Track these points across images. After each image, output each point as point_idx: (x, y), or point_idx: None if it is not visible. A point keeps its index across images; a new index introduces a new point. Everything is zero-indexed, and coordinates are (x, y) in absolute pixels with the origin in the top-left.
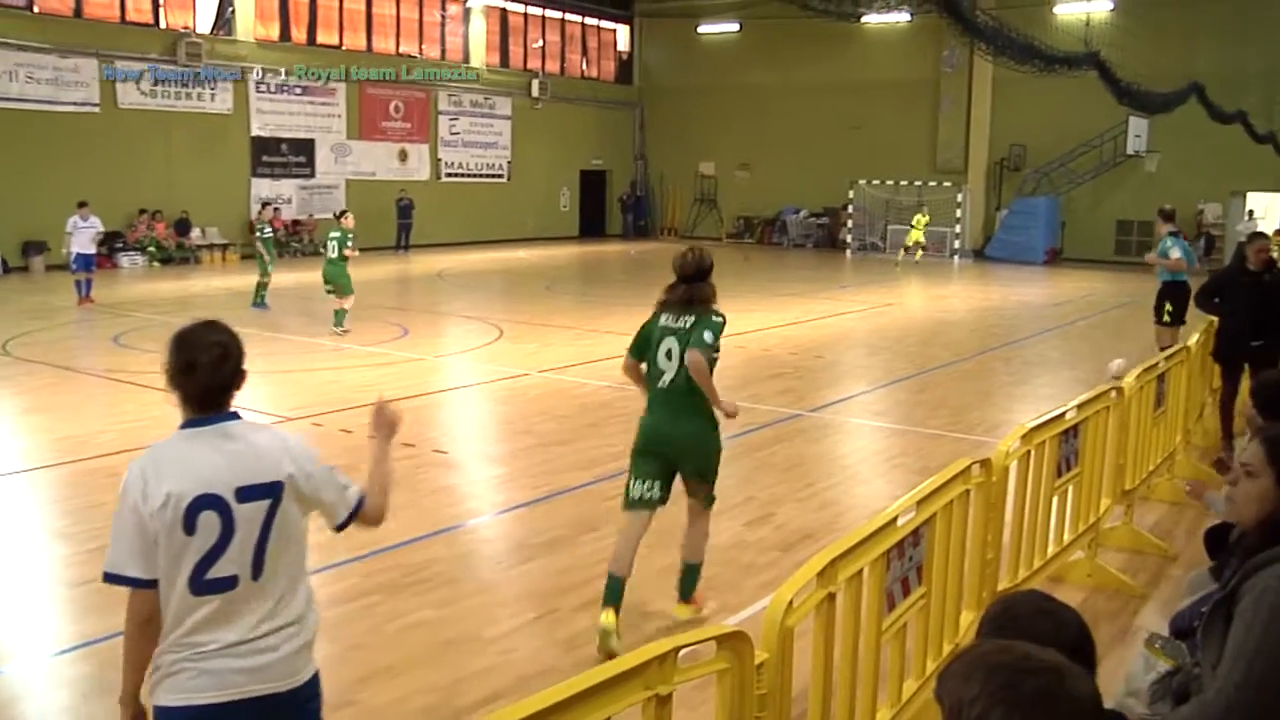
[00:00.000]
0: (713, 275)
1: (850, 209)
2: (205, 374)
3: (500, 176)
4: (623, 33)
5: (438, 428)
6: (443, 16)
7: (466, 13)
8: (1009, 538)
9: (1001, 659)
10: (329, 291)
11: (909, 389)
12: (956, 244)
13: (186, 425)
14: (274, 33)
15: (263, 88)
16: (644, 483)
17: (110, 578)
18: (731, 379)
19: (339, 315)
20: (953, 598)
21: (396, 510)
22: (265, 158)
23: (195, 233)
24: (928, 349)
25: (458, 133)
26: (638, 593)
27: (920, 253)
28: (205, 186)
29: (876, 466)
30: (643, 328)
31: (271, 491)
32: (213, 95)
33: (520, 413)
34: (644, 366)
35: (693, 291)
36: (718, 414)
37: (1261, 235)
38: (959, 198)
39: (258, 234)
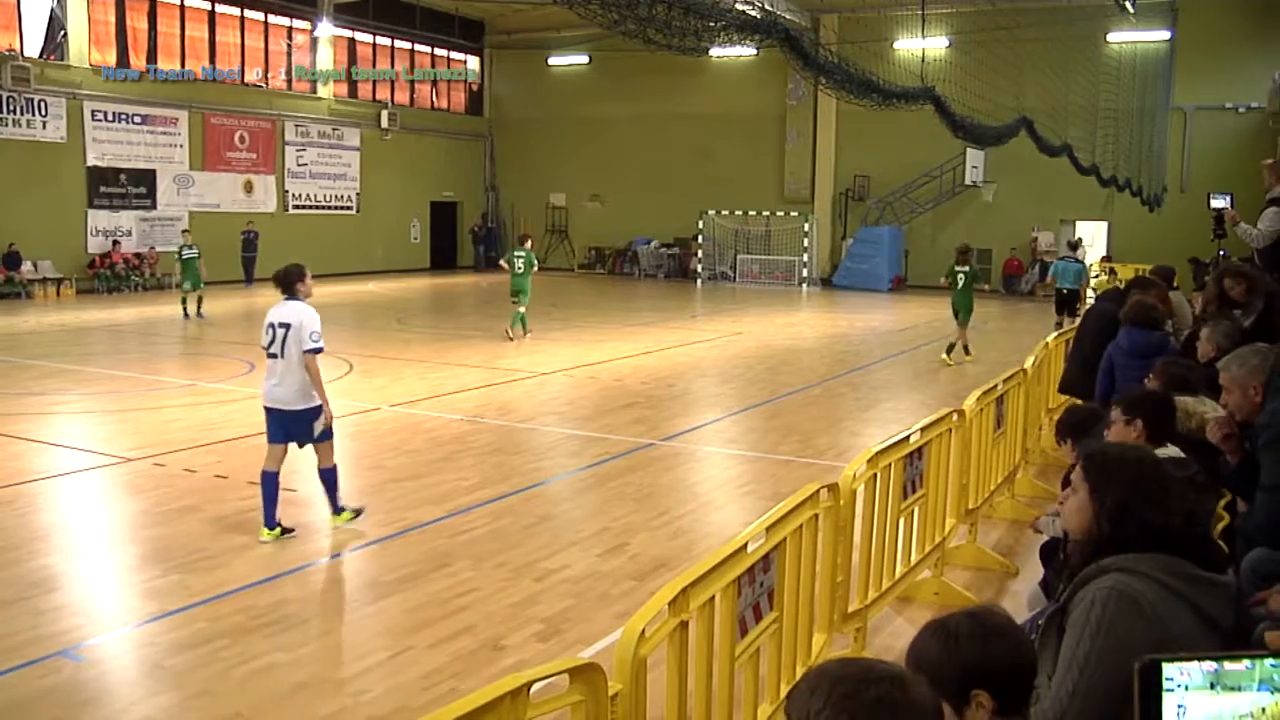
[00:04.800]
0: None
1: (700, 239)
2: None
3: (349, 208)
4: (473, 64)
5: (285, 465)
6: (289, 46)
7: (314, 42)
8: (858, 559)
9: (845, 671)
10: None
11: (760, 416)
12: (804, 272)
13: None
14: (110, 58)
15: (99, 115)
16: (955, 317)
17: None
18: (585, 409)
19: (520, 319)
20: (804, 621)
21: (243, 550)
22: (103, 188)
23: (26, 266)
24: (778, 376)
25: (305, 164)
26: (493, 628)
27: None
28: (37, 218)
29: (729, 494)
30: (951, 269)
31: (286, 325)
32: (44, 123)
33: (371, 448)
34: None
35: (967, 256)
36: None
37: (1148, 281)
38: (806, 227)
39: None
